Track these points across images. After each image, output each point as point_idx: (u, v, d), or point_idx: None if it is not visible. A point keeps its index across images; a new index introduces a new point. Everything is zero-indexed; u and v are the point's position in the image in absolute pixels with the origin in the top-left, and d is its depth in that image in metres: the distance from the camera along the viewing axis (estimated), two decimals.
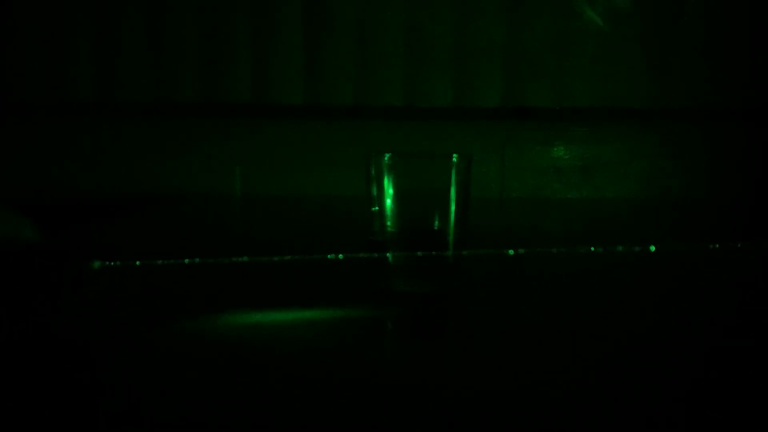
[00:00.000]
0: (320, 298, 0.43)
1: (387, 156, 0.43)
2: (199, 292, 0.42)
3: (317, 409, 0.26)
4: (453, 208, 0.44)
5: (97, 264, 0.40)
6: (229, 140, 1.02)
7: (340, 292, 0.44)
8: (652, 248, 0.43)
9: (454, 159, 0.44)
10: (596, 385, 0.29)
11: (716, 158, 1.00)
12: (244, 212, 0.91)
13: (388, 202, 0.44)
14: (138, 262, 0.40)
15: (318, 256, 0.48)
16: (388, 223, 0.44)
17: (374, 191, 0.44)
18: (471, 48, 1.01)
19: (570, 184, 1.00)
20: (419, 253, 0.43)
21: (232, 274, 0.48)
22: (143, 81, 1.03)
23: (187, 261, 0.41)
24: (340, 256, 0.46)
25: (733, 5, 0.99)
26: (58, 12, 1.01)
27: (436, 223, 0.44)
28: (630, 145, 1.00)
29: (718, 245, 0.48)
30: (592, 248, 0.46)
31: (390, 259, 0.44)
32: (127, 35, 1.02)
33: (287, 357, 0.32)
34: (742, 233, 0.75)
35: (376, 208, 0.44)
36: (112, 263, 0.39)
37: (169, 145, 1.02)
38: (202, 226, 0.77)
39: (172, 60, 1.02)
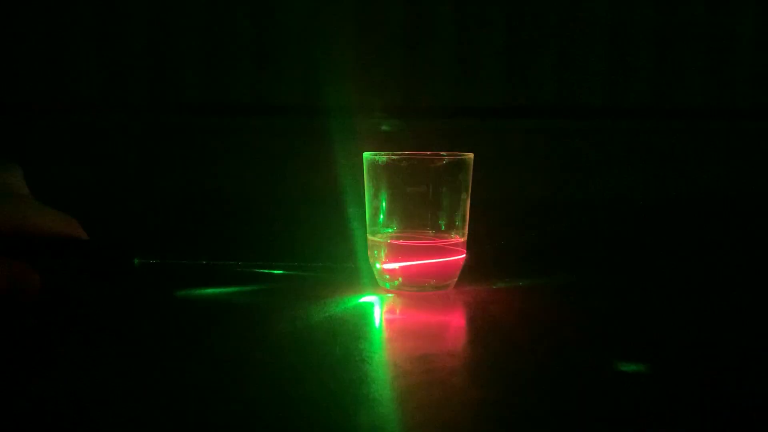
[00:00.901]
0: (317, 296, 0.43)
1: (386, 156, 0.43)
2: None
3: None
4: (453, 208, 0.44)
5: (137, 261, 0.44)
6: (229, 140, 1.02)
7: (337, 292, 0.44)
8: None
9: (454, 159, 0.43)
10: (595, 386, 0.29)
11: (719, 158, 0.99)
12: (244, 212, 0.90)
13: (387, 202, 0.44)
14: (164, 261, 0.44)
15: (315, 262, 0.48)
16: (387, 224, 0.44)
17: (373, 191, 0.44)
18: (472, 47, 1.01)
19: (571, 184, 1.00)
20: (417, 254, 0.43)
21: (233, 273, 0.48)
22: (144, 82, 1.03)
23: (209, 262, 0.45)
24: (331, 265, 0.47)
25: (735, 5, 0.99)
26: (59, 11, 1.01)
27: (435, 223, 0.44)
28: (632, 145, 1.00)
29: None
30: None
31: (387, 258, 0.44)
32: (129, 37, 1.02)
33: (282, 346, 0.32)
34: (744, 234, 0.75)
35: (375, 207, 0.44)
36: (151, 260, 0.44)
37: (169, 145, 1.02)
38: (205, 225, 0.78)
39: (174, 61, 1.02)
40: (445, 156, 0.43)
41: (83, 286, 0.45)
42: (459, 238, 0.44)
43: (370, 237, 0.45)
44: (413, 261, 0.43)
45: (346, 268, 0.47)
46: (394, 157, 0.43)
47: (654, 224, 0.82)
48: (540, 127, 1.02)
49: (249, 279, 0.47)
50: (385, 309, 0.41)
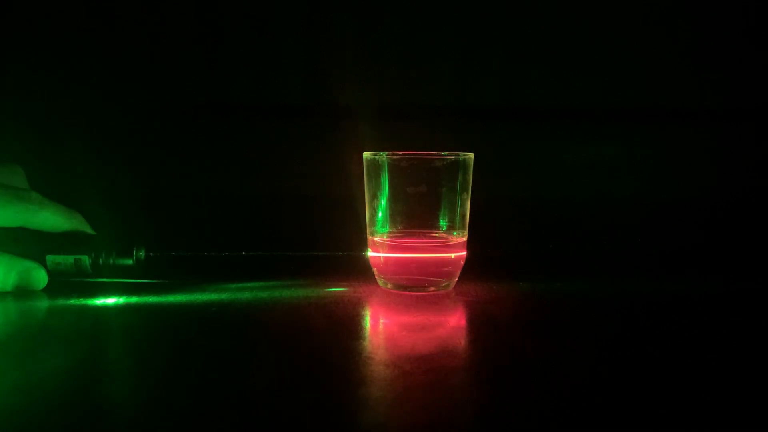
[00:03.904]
0: (317, 296, 0.43)
1: (385, 155, 0.43)
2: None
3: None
4: (453, 208, 0.44)
5: (142, 254, 0.46)
6: (228, 140, 1.02)
7: (337, 292, 0.44)
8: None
9: (454, 159, 0.43)
10: (596, 386, 0.29)
11: (717, 158, 0.99)
12: (243, 212, 0.90)
13: (387, 202, 0.44)
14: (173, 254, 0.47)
15: (315, 254, 0.49)
16: (387, 224, 0.44)
17: (372, 191, 0.44)
18: (471, 46, 1.01)
19: (571, 184, 1.00)
20: (418, 254, 0.43)
21: (234, 269, 0.48)
22: (144, 83, 1.02)
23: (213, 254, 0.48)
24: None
25: (735, 4, 0.99)
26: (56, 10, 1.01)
27: (436, 223, 0.44)
28: (632, 145, 1.00)
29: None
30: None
31: (387, 258, 0.44)
32: (130, 36, 1.02)
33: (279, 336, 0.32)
34: (743, 235, 0.75)
35: (375, 208, 0.44)
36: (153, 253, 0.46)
37: (169, 144, 1.02)
38: (204, 224, 0.78)
39: (174, 61, 1.02)
40: (445, 156, 0.43)
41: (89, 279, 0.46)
42: (459, 238, 0.44)
43: (369, 237, 0.45)
44: (413, 261, 0.43)
45: (349, 256, 0.47)
46: (394, 157, 0.43)
47: (656, 226, 0.82)
48: (541, 128, 1.02)
49: (250, 273, 0.48)
50: (384, 309, 0.41)
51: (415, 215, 0.44)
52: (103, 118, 1.02)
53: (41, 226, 0.43)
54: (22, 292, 0.43)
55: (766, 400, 0.27)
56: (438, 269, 0.44)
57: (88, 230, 0.45)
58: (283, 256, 0.50)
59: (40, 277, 0.43)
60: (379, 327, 0.39)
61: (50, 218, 0.43)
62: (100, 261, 0.45)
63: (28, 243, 0.43)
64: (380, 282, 0.45)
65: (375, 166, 0.44)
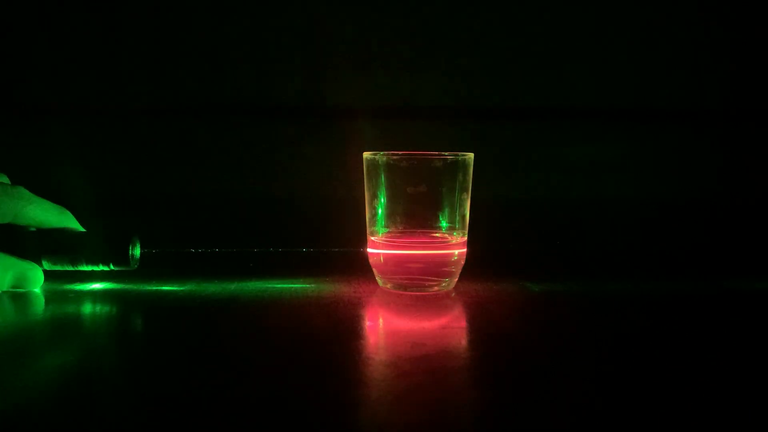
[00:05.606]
0: (317, 296, 0.43)
1: (385, 155, 0.43)
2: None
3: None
4: (453, 208, 0.44)
5: (137, 252, 0.46)
6: (228, 140, 1.02)
7: (337, 292, 0.44)
8: None
9: (454, 159, 0.43)
10: (595, 386, 0.29)
11: (717, 159, 0.99)
12: (243, 212, 0.90)
13: (387, 202, 0.44)
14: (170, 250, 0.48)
15: (314, 252, 0.49)
16: (387, 224, 0.44)
17: (372, 191, 0.44)
18: (471, 46, 1.01)
19: (571, 184, 1.00)
20: (418, 254, 0.43)
21: (234, 268, 0.48)
22: (144, 82, 1.02)
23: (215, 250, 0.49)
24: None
25: (735, 4, 0.99)
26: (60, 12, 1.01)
27: (436, 223, 0.44)
28: (631, 145, 1.00)
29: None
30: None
31: (387, 258, 0.44)
32: (128, 35, 1.02)
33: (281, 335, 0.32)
34: (743, 235, 0.75)
35: (375, 207, 0.44)
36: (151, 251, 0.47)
37: (169, 145, 1.01)
38: (202, 224, 0.78)
39: (173, 61, 1.02)
40: (445, 156, 0.43)
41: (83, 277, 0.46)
42: (459, 238, 0.44)
43: (369, 237, 0.45)
44: (413, 261, 0.43)
45: (349, 255, 0.47)
46: (394, 157, 0.43)
47: (656, 227, 0.82)
48: (541, 128, 1.02)
49: (250, 272, 0.48)
50: (384, 309, 0.41)
51: (415, 215, 0.44)
52: (101, 118, 1.02)
53: (30, 221, 0.43)
54: (18, 291, 0.43)
55: (766, 400, 0.27)
56: (438, 269, 0.44)
57: (77, 227, 0.45)
58: (284, 253, 0.50)
59: (36, 278, 0.43)
60: (379, 327, 0.39)
61: (39, 213, 0.43)
62: (95, 260, 0.45)
63: (24, 243, 0.43)
64: (380, 282, 0.45)
65: (375, 166, 0.44)
